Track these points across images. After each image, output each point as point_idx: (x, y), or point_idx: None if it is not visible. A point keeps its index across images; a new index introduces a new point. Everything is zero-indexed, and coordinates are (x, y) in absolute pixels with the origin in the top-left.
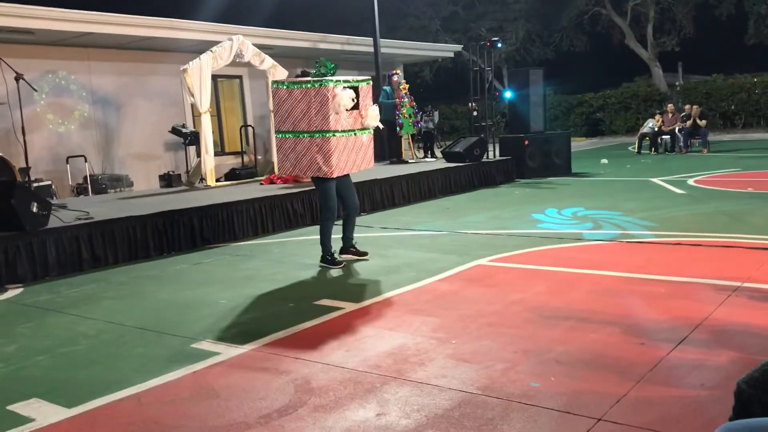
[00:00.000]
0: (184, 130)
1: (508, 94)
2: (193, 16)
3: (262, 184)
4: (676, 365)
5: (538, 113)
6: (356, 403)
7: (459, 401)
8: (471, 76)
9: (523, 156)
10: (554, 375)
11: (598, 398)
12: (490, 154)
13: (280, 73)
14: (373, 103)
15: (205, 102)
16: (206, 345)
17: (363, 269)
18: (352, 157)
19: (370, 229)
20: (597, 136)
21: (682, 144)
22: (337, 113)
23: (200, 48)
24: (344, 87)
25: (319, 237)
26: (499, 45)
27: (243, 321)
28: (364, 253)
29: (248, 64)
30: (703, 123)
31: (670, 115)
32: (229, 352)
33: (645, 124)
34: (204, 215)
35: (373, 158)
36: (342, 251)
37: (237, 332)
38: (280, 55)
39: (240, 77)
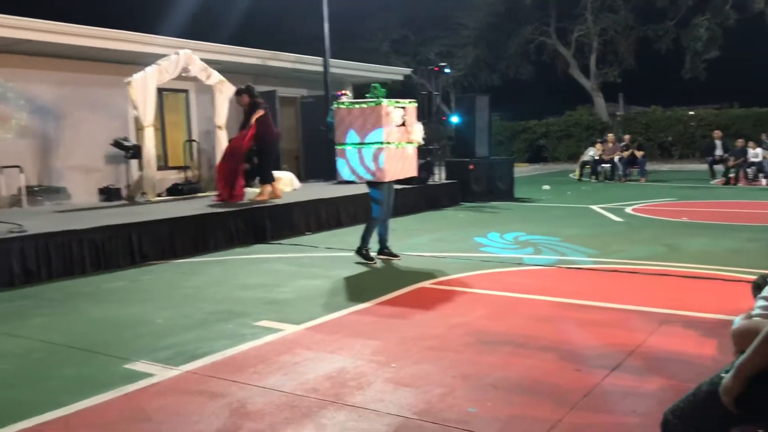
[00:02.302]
0: (126, 143)
1: (455, 119)
2: (148, 29)
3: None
4: (610, 392)
5: (483, 139)
6: (292, 428)
7: (396, 426)
8: (419, 99)
9: (468, 180)
10: (491, 400)
11: (533, 424)
12: (436, 177)
13: (228, 89)
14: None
15: (149, 115)
16: (140, 366)
17: (305, 290)
18: (400, 166)
19: (314, 249)
20: (540, 163)
21: (621, 172)
22: (389, 128)
23: (146, 61)
24: (395, 107)
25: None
26: (447, 70)
27: (180, 341)
28: (397, 255)
29: (195, 79)
30: (640, 153)
31: (610, 144)
32: (164, 373)
33: (586, 152)
34: (144, 231)
35: (416, 167)
36: (379, 252)
37: (173, 353)
38: (228, 70)
39: (186, 91)
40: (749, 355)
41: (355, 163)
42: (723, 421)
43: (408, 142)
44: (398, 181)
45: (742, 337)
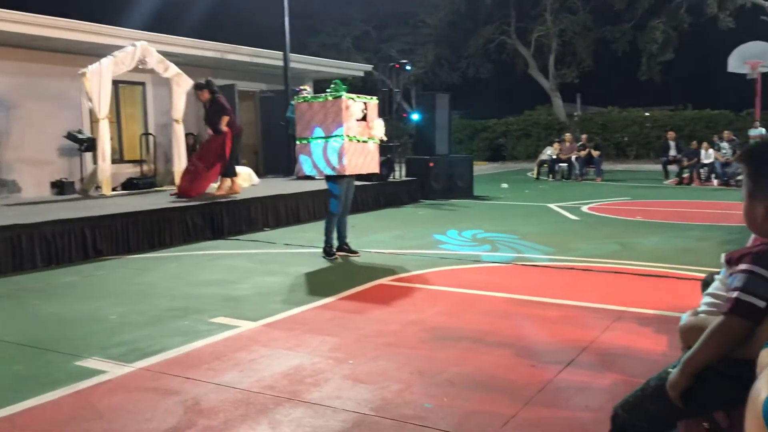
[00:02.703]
0: (80, 136)
1: (415, 116)
2: (107, 21)
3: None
4: (563, 387)
5: (443, 136)
6: (247, 425)
7: (352, 422)
8: (380, 96)
9: (427, 177)
10: (447, 396)
11: (488, 419)
12: (397, 174)
13: (186, 82)
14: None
15: (104, 107)
16: (92, 363)
17: (262, 286)
18: (361, 160)
19: (272, 246)
20: (499, 161)
21: (578, 172)
22: (349, 121)
23: (101, 52)
24: (355, 101)
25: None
26: (408, 68)
27: (133, 338)
28: (356, 252)
29: (152, 71)
30: (596, 153)
31: (567, 143)
32: (116, 370)
33: (544, 152)
34: (97, 225)
35: (378, 163)
36: (337, 249)
37: (126, 350)
38: (186, 63)
39: (143, 84)
40: (695, 351)
41: (318, 158)
42: (670, 415)
43: (369, 138)
44: (359, 178)
45: (689, 334)
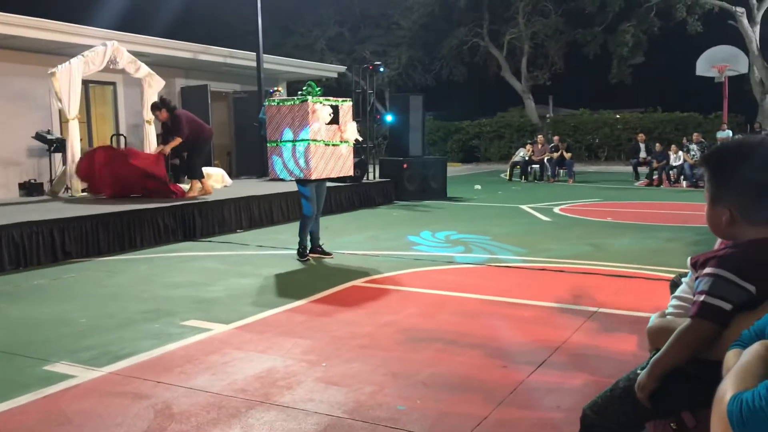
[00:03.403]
0: (49, 137)
1: (389, 118)
2: (79, 20)
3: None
4: (535, 388)
5: (417, 138)
6: (219, 429)
7: (325, 425)
8: (354, 97)
9: (401, 179)
10: (420, 398)
11: (461, 420)
12: (371, 175)
13: (157, 83)
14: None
15: (73, 108)
16: (60, 367)
17: (235, 288)
18: (331, 164)
19: (245, 247)
20: (472, 163)
21: (550, 173)
22: (316, 125)
23: (71, 51)
24: (323, 104)
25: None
26: (381, 69)
27: (103, 342)
28: (330, 254)
29: (123, 71)
30: (568, 155)
31: (540, 145)
32: (86, 375)
33: (516, 153)
34: (66, 227)
35: (352, 167)
36: (311, 251)
37: (96, 354)
38: (158, 63)
39: (114, 84)
40: (663, 353)
41: (288, 160)
42: (638, 416)
43: (342, 141)
44: (333, 179)
45: (657, 335)
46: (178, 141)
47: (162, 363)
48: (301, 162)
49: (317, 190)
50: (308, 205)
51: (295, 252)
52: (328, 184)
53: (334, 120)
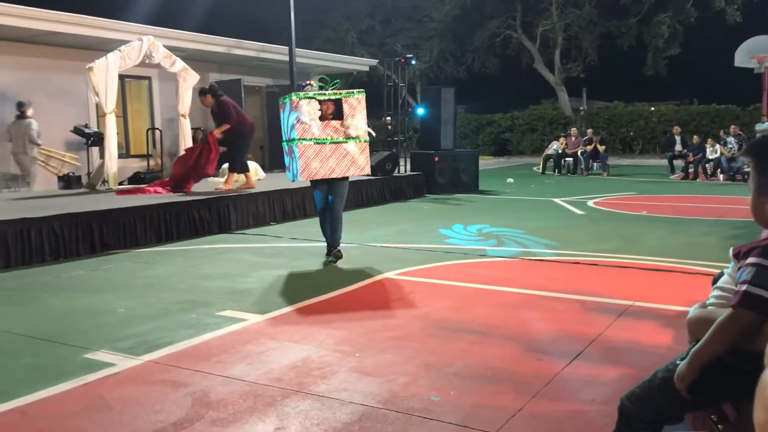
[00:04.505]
0: (87, 131)
1: (420, 111)
2: (112, 15)
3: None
4: (570, 380)
5: (448, 131)
6: (255, 417)
7: (360, 415)
8: (385, 91)
9: (432, 172)
10: (454, 389)
11: (494, 412)
12: (401, 169)
13: (192, 77)
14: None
15: (110, 102)
16: (100, 356)
17: (269, 280)
18: (330, 164)
19: (279, 240)
20: (504, 156)
21: (583, 166)
22: (302, 123)
23: (108, 47)
24: (317, 99)
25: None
26: (413, 62)
27: (141, 331)
28: (332, 259)
29: (158, 66)
30: (602, 148)
31: (573, 138)
32: (125, 363)
33: (550, 146)
34: (105, 219)
35: (365, 165)
36: (326, 252)
37: (134, 343)
38: (192, 58)
39: (149, 78)
40: (703, 343)
41: (291, 161)
42: (677, 407)
43: (348, 138)
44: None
45: (697, 326)
46: (227, 127)
47: (198, 352)
48: (294, 163)
49: (330, 190)
50: (316, 205)
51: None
52: (355, 178)
53: (338, 115)
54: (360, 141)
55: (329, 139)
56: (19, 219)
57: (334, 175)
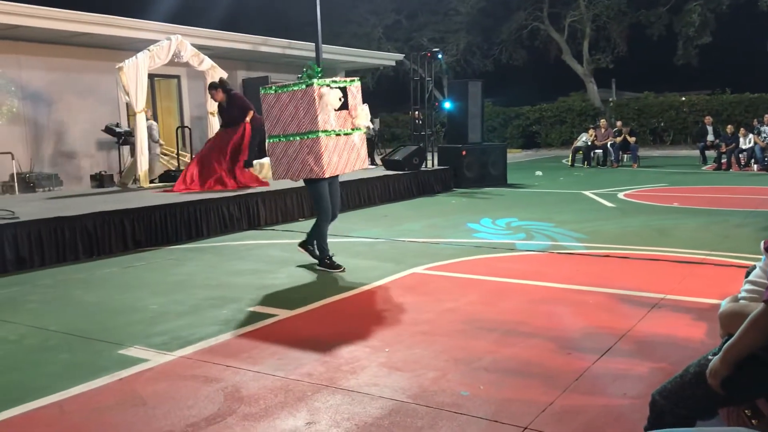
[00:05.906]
0: (117, 130)
1: (447, 105)
2: (139, 15)
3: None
4: (601, 375)
5: (476, 124)
6: (286, 412)
7: (390, 410)
8: (412, 85)
9: (460, 166)
10: (483, 384)
11: (525, 407)
12: (429, 163)
13: (220, 75)
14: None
15: (140, 101)
16: (134, 351)
17: (297, 276)
18: (345, 157)
19: None
20: (532, 149)
21: (613, 158)
22: (325, 113)
23: (137, 46)
24: (331, 87)
25: (315, 240)
26: (440, 56)
27: (173, 327)
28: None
29: (187, 65)
30: (632, 139)
31: (602, 130)
32: (158, 359)
33: (579, 138)
34: (136, 217)
35: (366, 158)
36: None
37: (167, 339)
38: (219, 56)
39: (178, 77)
40: (736, 339)
41: (291, 159)
42: (710, 402)
43: (354, 129)
44: (390, 167)
45: (729, 320)
46: (252, 113)
47: (230, 348)
48: (310, 160)
49: (331, 188)
50: (323, 205)
51: (324, 264)
52: (393, 172)
53: (344, 105)
54: (361, 132)
55: (343, 130)
56: (53, 218)
57: (347, 170)
